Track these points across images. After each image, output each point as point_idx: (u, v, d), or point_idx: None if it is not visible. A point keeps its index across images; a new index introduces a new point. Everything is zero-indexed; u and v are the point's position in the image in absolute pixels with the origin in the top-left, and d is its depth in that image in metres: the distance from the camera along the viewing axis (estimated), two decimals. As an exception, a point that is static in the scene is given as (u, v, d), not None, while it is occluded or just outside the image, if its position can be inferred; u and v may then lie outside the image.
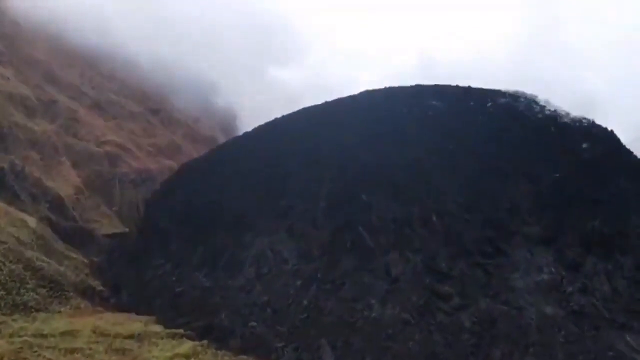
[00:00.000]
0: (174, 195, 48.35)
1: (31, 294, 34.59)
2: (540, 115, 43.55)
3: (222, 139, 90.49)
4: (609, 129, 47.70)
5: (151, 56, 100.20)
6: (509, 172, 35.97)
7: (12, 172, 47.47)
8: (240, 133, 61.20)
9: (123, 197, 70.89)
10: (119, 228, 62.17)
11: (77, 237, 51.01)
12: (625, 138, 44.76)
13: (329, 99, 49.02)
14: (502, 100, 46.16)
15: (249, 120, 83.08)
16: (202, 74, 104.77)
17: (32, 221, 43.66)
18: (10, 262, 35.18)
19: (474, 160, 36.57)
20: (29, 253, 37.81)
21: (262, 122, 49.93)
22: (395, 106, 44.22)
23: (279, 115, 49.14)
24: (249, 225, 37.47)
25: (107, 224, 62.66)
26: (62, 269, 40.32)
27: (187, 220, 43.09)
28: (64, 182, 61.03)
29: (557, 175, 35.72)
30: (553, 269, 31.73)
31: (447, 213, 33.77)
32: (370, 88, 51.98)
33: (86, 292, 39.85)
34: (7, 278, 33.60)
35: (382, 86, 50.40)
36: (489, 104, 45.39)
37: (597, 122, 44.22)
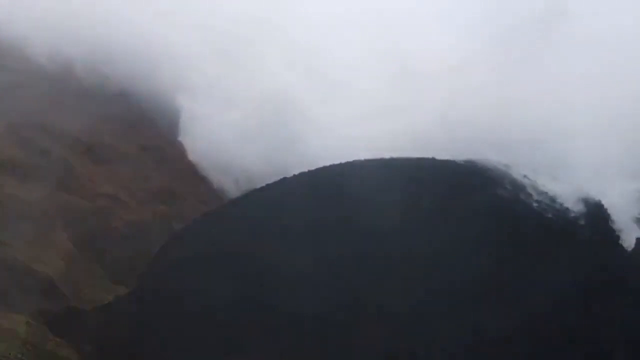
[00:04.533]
0: (166, 282, 48.52)
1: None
2: (525, 212, 43.63)
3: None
4: (597, 200, 48.14)
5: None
6: (500, 297, 36.05)
7: (3, 268, 47.42)
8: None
9: (115, 254, 70.81)
10: (111, 290, 62.30)
11: (68, 322, 51.04)
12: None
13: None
14: (489, 191, 46.19)
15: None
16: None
17: (22, 324, 43.78)
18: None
19: (455, 279, 36.64)
20: (17, 371, 37.91)
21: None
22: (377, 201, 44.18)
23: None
24: (237, 345, 37.57)
25: (98, 288, 62.78)
26: (51, 378, 40.52)
27: (176, 322, 43.20)
28: (55, 252, 60.93)
29: (544, 298, 35.71)
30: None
31: (432, 344, 33.90)
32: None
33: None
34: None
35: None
36: (478, 198, 45.41)
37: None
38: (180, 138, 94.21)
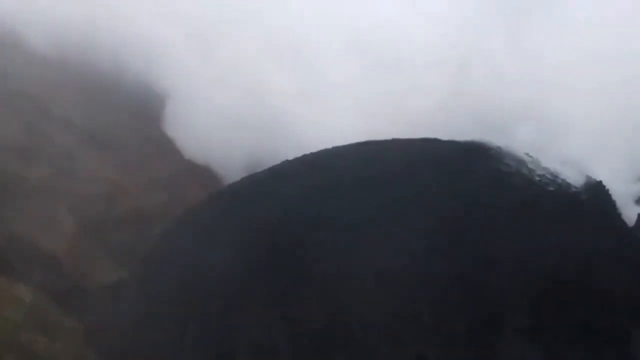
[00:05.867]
0: (168, 259, 48.69)
1: (28, 385, 35.12)
2: (527, 185, 44.01)
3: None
4: (598, 180, 48.54)
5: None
6: (496, 259, 36.41)
7: (8, 242, 47.74)
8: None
9: (118, 239, 71.14)
10: (114, 272, 62.61)
11: (73, 296, 51.32)
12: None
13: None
14: (492, 165, 46.61)
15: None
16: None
17: (27, 293, 44.12)
18: (8, 352, 35.65)
19: (462, 249, 36.97)
20: (24, 336, 38.29)
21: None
22: (386, 180, 44.59)
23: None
24: (239, 311, 37.84)
25: (102, 271, 63.10)
26: (57, 345, 40.84)
27: (180, 292, 43.43)
28: (59, 233, 61.31)
29: (544, 261, 36.08)
30: (542, 365, 32.29)
31: (437, 306, 34.23)
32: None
33: (82, 370, 40.44)
34: (3, 373, 34.07)
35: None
36: (480, 170, 45.81)
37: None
38: (163, 126, 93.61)
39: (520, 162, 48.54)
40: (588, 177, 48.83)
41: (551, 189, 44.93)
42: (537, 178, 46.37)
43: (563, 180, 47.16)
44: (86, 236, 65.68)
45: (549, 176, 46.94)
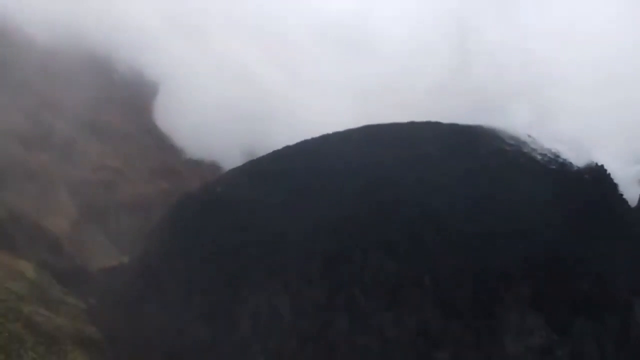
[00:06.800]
0: (170, 236, 48.71)
1: (30, 353, 35.07)
2: (529, 164, 44.16)
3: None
4: (600, 164, 48.60)
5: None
6: (500, 232, 36.50)
7: (9, 218, 47.75)
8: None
9: (118, 224, 71.27)
10: (115, 258, 62.69)
11: (74, 277, 51.30)
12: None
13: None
14: (494, 144, 46.80)
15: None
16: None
17: (29, 269, 44.11)
18: (10, 321, 35.67)
19: (465, 220, 37.07)
20: (27, 309, 38.25)
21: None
22: (388, 151, 44.70)
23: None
24: (245, 279, 37.90)
25: (103, 255, 63.20)
26: (59, 319, 40.80)
27: (184, 266, 43.46)
28: (60, 215, 61.38)
29: (547, 234, 36.19)
30: (544, 333, 32.39)
31: (439, 274, 34.33)
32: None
33: (83, 343, 40.29)
34: (7, 340, 34.03)
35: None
36: (482, 150, 45.96)
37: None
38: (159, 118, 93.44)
39: (522, 142, 48.74)
40: (589, 161, 49.00)
41: (553, 167, 45.05)
42: (539, 157, 46.55)
43: (564, 160, 47.32)
44: (87, 221, 65.86)
45: (550, 155, 47.11)
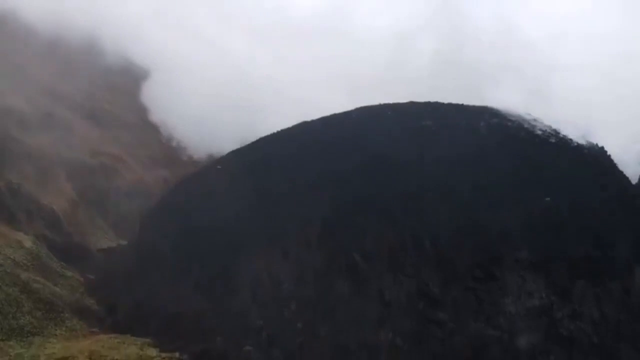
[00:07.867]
0: (169, 213, 48.73)
1: (27, 317, 35.02)
2: (530, 137, 44.12)
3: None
4: (600, 145, 48.56)
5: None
6: (500, 197, 36.45)
7: (8, 191, 47.64)
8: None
9: (118, 209, 71.05)
10: (114, 241, 62.54)
11: (73, 253, 51.15)
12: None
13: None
14: (494, 120, 46.77)
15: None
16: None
17: (27, 240, 44.01)
18: (7, 285, 35.60)
19: (465, 185, 37.00)
20: (24, 275, 38.18)
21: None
22: (388, 126, 44.71)
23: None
24: (244, 247, 37.79)
25: (102, 238, 63.04)
26: (57, 289, 40.76)
27: (182, 239, 43.39)
28: (59, 196, 61.22)
29: (548, 199, 36.11)
30: (543, 295, 32.34)
31: (439, 238, 34.24)
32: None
33: (82, 312, 40.26)
34: (3, 303, 33.96)
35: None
36: (482, 124, 45.93)
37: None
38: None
39: (522, 119, 48.68)
40: (589, 142, 48.93)
41: (553, 141, 45.00)
42: (539, 132, 46.49)
43: (564, 135, 47.28)
44: (86, 203, 65.75)
45: (550, 131, 47.05)
